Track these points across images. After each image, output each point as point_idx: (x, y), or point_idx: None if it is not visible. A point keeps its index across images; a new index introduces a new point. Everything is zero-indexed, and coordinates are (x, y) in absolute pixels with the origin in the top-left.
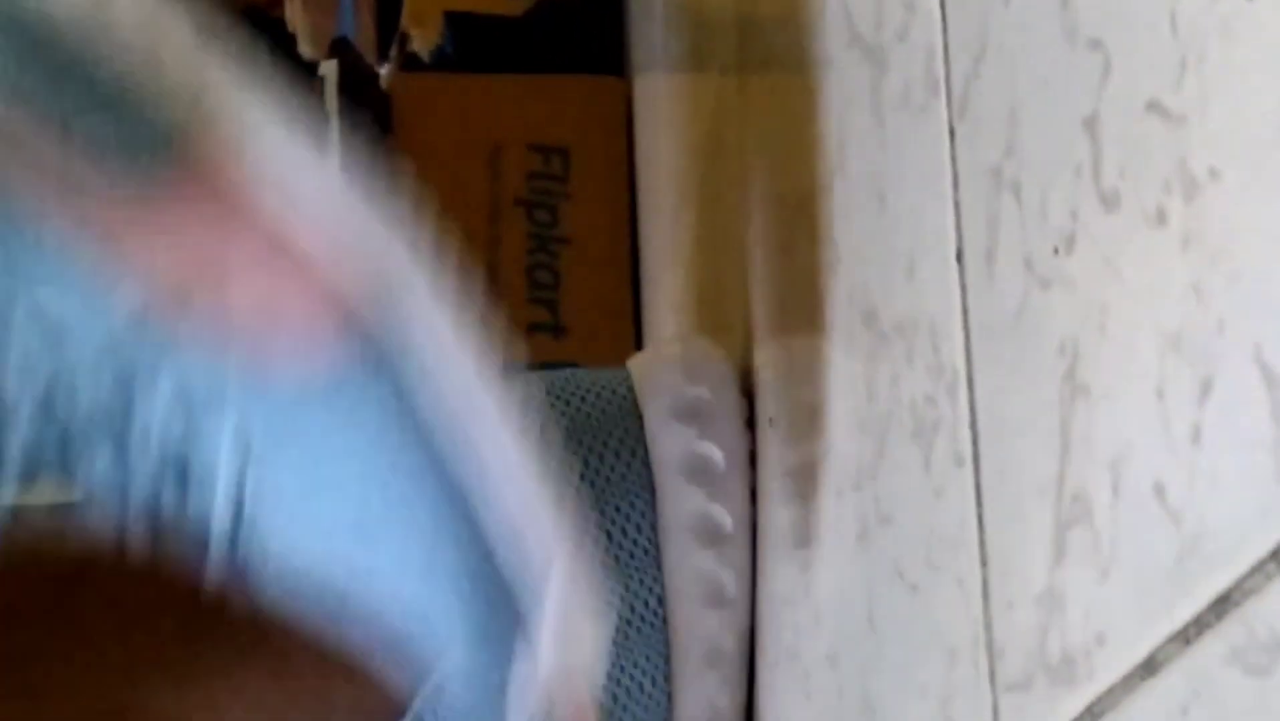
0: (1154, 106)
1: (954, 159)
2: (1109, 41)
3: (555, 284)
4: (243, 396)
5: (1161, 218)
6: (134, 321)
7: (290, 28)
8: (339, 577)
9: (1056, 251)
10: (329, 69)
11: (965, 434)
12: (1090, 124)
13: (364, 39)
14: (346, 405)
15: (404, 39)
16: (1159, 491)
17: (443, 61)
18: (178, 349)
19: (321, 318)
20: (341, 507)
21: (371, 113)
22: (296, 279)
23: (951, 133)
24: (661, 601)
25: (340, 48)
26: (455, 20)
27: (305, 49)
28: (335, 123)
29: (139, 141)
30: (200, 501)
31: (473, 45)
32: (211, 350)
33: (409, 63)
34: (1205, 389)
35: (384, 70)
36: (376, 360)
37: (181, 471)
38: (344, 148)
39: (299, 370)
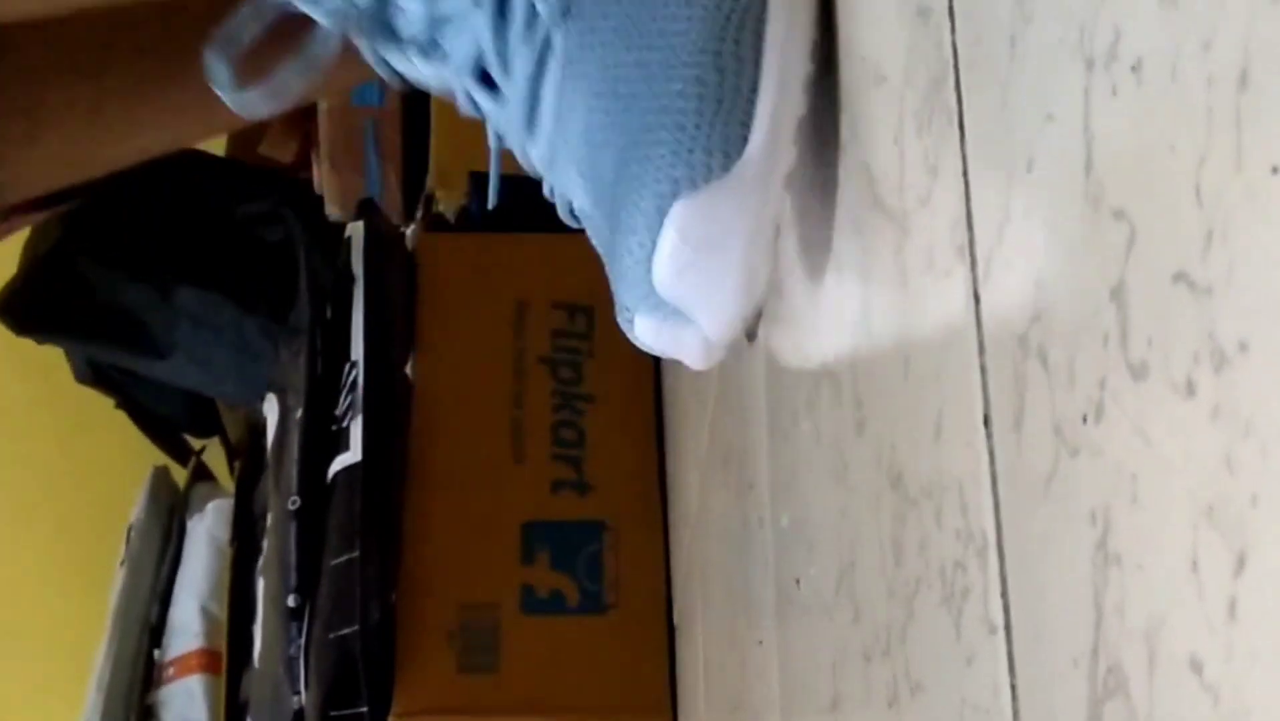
0: (1181, 277)
1: (979, 324)
2: (1133, 211)
3: (580, 441)
4: None
5: (1191, 389)
6: None
7: (318, 189)
8: None
9: (1085, 419)
10: (355, 230)
11: (996, 601)
12: (1117, 293)
13: (390, 199)
14: None
15: (430, 199)
16: (1196, 666)
17: (468, 221)
18: None
19: None
20: None
21: (398, 273)
22: None
23: (976, 298)
24: None
25: (367, 209)
26: (481, 180)
27: (332, 210)
28: (362, 283)
29: None
30: None
31: (498, 205)
32: None
33: (435, 223)
34: (1240, 562)
35: (410, 230)
36: None
37: None
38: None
39: None
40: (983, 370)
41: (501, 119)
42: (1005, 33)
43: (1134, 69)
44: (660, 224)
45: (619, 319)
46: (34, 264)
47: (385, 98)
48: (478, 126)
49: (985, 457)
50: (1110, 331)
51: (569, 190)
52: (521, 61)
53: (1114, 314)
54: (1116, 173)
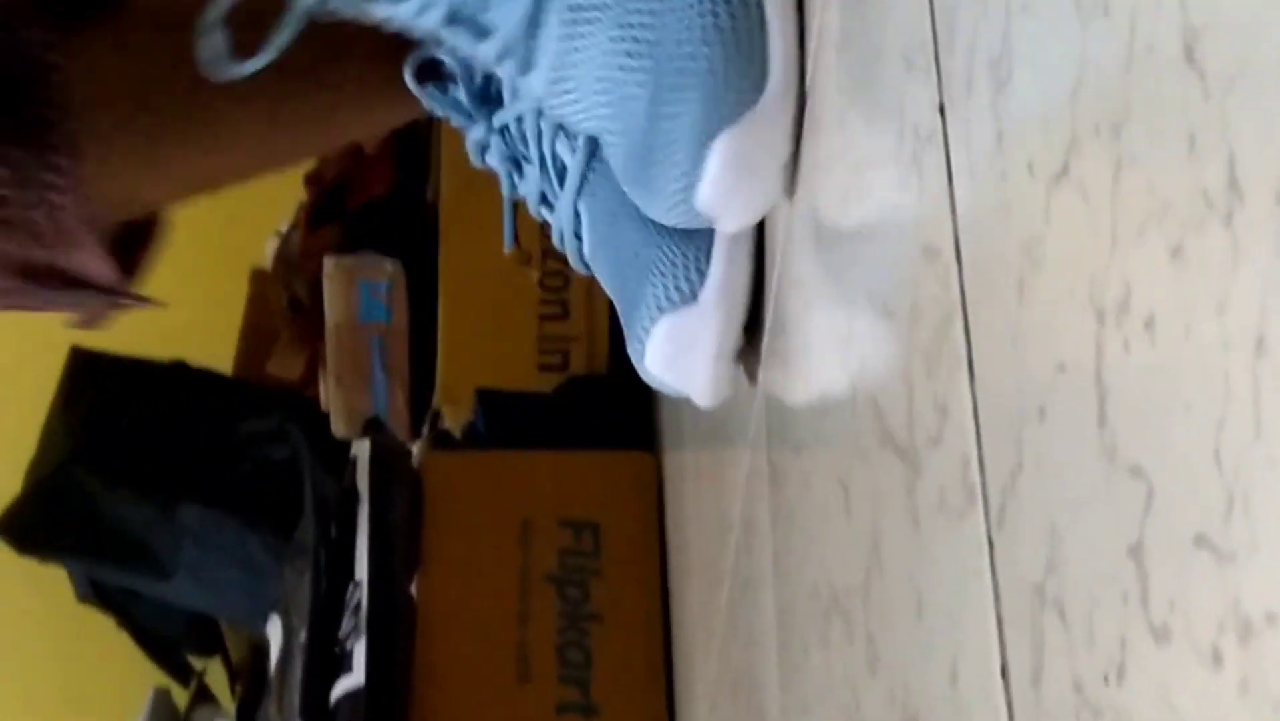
0: (1202, 541)
1: (994, 570)
2: (1150, 469)
3: (586, 662)
4: None
5: (1217, 658)
6: None
7: (324, 407)
8: None
9: (1107, 680)
10: (361, 448)
11: None
12: (1135, 551)
13: (397, 416)
14: None
15: (436, 417)
16: None
17: (474, 438)
18: None
19: None
20: None
21: (403, 491)
22: None
23: (990, 543)
24: None
25: (373, 427)
26: (487, 398)
27: (338, 428)
28: (367, 502)
29: None
30: None
31: (504, 422)
32: None
33: (441, 440)
34: None
35: (416, 447)
36: None
37: None
38: (375, 526)
39: None
40: (999, 618)
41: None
42: (1014, 277)
43: (1146, 325)
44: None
45: (630, 351)
46: (38, 483)
47: (392, 315)
48: (484, 345)
49: (1004, 710)
50: (1130, 590)
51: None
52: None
53: (1133, 572)
54: (1132, 428)
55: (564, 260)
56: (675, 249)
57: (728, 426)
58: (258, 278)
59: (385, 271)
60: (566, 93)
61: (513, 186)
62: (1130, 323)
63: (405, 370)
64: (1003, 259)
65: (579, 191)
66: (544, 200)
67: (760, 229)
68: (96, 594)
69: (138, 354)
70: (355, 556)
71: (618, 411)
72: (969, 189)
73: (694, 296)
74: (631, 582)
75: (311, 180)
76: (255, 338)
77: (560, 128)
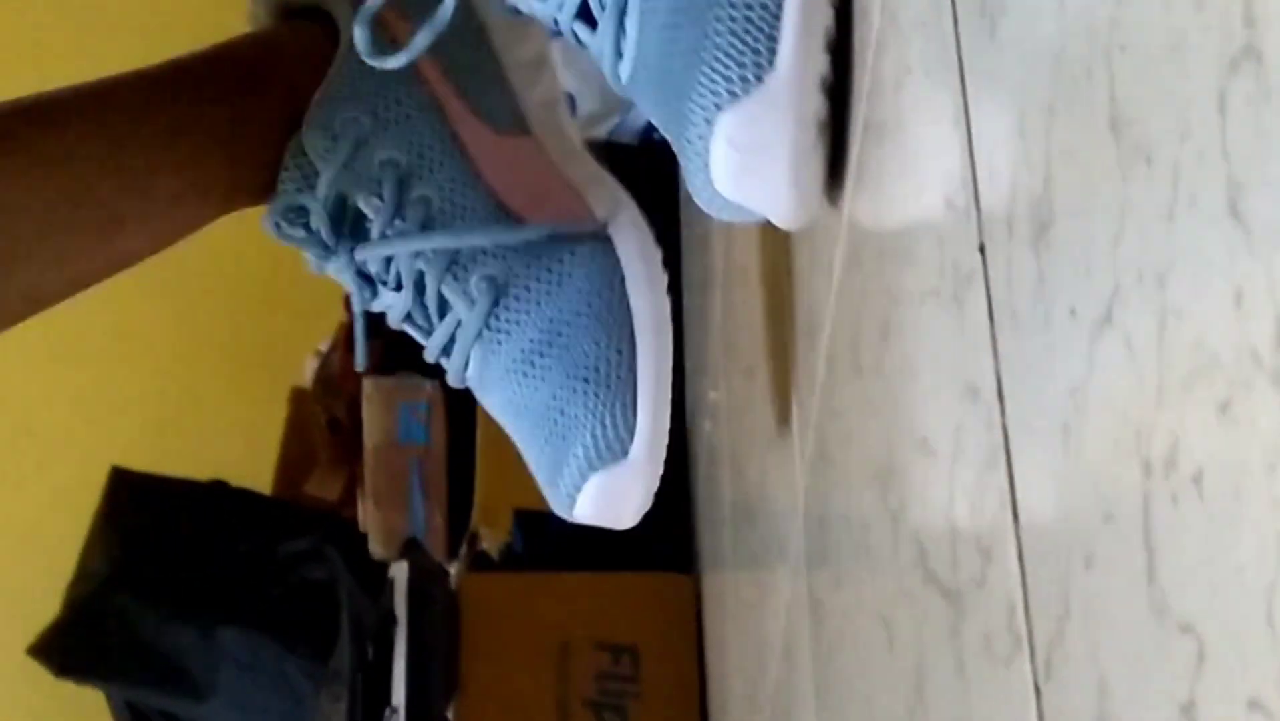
0: (1256, 706)
1: (1041, 718)
2: (1202, 628)
3: None
4: None
5: None
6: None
7: (362, 528)
8: None
9: None
10: (399, 570)
11: None
12: (1187, 710)
13: (434, 537)
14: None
15: (474, 538)
16: None
17: (511, 560)
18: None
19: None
20: None
21: (441, 615)
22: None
23: (1038, 691)
24: None
25: (411, 548)
26: (524, 519)
27: (376, 549)
28: (404, 626)
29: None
30: None
31: (541, 543)
32: None
33: (478, 561)
34: None
35: (454, 568)
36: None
37: None
38: (412, 649)
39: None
40: None
41: (596, 49)
42: (1058, 420)
43: (1195, 480)
44: (711, 135)
45: (554, 504)
46: (76, 605)
47: (431, 436)
48: (522, 466)
49: None
50: None
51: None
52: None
53: None
54: (1182, 585)
55: None
56: (598, 405)
57: (767, 550)
58: (297, 397)
59: (424, 392)
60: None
61: (364, 301)
62: (1178, 477)
63: (443, 491)
64: (1046, 402)
65: (476, 339)
66: (408, 319)
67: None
68: (134, 717)
69: (177, 473)
70: (392, 680)
71: (656, 532)
72: (1010, 329)
73: (624, 452)
74: (671, 706)
75: None
76: (294, 457)
77: (448, 268)
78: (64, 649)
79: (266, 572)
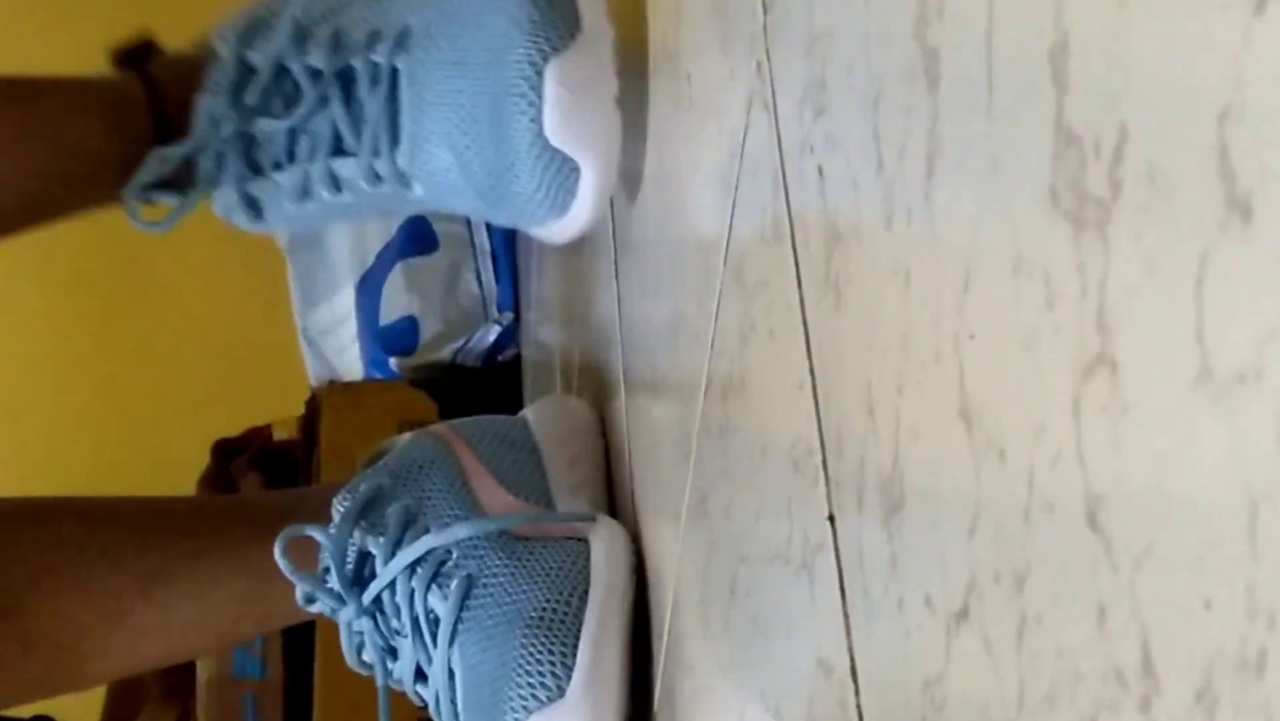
0: None
1: None
2: None
3: None
4: None
5: None
6: None
7: None
8: None
9: None
10: None
11: None
12: None
13: None
14: None
15: None
16: None
17: None
18: None
19: None
20: None
21: None
22: None
23: None
24: None
25: None
26: None
27: None
28: None
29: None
30: None
31: None
32: None
33: None
34: None
35: None
36: None
37: None
38: None
39: None
40: None
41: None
42: (915, 714)
43: None
44: (541, 84)
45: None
46: None
47: (267, 670)
48: (361, 696)
49: None
50: None
51: (435, 166)
52: (374, 103)
53: None
54: None
55: None
56: (541, 645)
57: None
58: None
59: None
60: (427, 140)
61: (387, 673)
62: None
63: None
64: (902, 692)
65: (452, 639)
66: (419, 675)
67: (643, 619)
68: None
69: None
70: None
71: None
72: (863, 609)
73: (560, 692)
74: None
75: None
76: (123, 693)
77: (434, 578)
78: None
79: None
